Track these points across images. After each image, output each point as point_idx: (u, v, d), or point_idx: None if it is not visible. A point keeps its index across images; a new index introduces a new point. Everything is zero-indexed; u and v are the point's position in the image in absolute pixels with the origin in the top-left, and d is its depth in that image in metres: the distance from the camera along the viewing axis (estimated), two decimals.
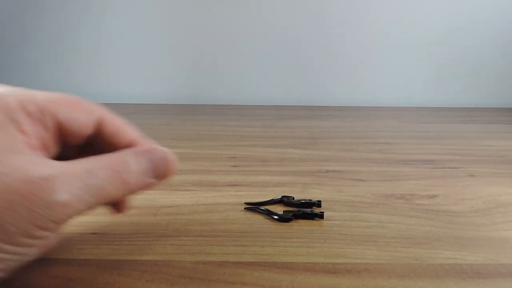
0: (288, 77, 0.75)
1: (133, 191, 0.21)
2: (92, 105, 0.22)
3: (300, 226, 0.28)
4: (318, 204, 0.30)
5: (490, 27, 0.72)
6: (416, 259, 0.24)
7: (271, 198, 0.32)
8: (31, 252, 0.18)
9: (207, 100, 0.75)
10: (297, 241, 0.26)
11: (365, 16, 0.72)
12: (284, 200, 0.31)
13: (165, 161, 0.22)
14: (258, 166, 0.40)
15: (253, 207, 0.30)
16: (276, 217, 0.29)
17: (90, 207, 0.19)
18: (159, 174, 0.22)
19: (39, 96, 0.20)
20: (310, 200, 0.31)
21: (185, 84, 0.76)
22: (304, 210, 0.29)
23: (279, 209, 0.30)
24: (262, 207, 0.30)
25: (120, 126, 0.23)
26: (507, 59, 0.73)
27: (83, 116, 0.21)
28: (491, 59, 0.73)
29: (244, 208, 0.30)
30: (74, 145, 0.22)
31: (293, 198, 0.32)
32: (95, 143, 0.22)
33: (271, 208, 0.30)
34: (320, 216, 0.29)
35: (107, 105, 0.21)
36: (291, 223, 0.28)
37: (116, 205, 0.24)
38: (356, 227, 0.27)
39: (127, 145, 0.22)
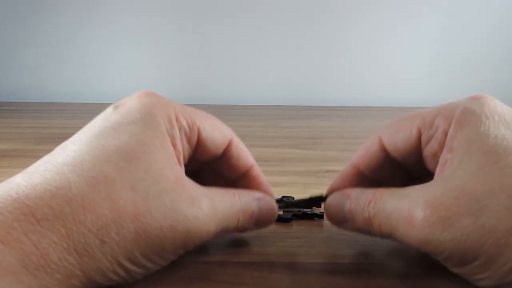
0: (288, 77, 0.75)
1: (235, 231, 0.22)
2: (224, 126, 0.23)
3: (300, 226, 0.28)
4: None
5: (490, 27, 0.72)
6: (416, 258, 0.24)
7: None
8: (161, 266, 0.19)
9: (207, 100, 0.75)
10: (297, 241, 0.26)
11: (366, 17, 0.72)
12: (284, 200, 0.31)
13: (270, 213, 0.22)
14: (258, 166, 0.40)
15: None
16: None
17: None
18: (261, 223, 0.22)
19: (189, 110, 0.21)
20: None
21: (185, 84, 0.76)
22: (304, 210, 0.29)
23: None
24: None
25: (242, 151, 0.23)
26: (507, 59, 0.73)
27: (219, 136, 0.22)
28: (491, 60, 0.73)
29: None
30: (200, 161, 0.23)
31: (293, 198, 0.31)
32: (214, 161, 0.23)
33: None
34: (320, 216, 0.29)
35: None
36: (291, 223, 0.28)
37: None
38: None
39: (245, 172, 0.23)
